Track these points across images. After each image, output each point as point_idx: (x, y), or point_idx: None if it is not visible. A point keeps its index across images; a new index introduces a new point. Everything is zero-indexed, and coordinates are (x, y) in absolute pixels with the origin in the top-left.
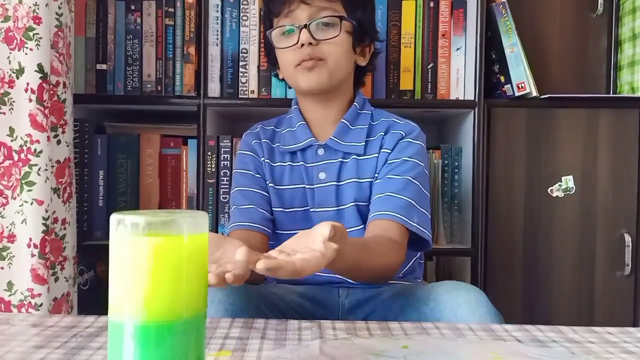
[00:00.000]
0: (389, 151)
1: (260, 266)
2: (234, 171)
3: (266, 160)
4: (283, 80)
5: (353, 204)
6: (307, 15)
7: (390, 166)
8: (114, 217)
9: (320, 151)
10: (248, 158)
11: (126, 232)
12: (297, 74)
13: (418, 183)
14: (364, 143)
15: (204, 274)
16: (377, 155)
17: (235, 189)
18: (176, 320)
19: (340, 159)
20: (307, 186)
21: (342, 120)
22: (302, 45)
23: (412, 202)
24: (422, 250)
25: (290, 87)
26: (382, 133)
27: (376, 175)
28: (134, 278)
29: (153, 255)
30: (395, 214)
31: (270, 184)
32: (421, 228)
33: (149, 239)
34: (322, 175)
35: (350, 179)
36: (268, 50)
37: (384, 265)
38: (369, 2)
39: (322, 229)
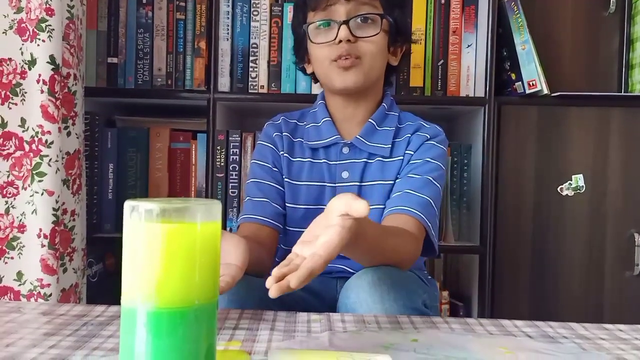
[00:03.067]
0: (413, 152)
1: (294, 284)
2: (251, 161)
3: (285, 155)
4: (310, 75)
5: (376, 206)
6: (345, 10)
7: (412, 166)
8: (128, 204)
9: (345, 150)
10: (267, 150)
11: (140, 218)
12: (332, 72)
13: (438, 185)
14: (390, 145)
15: (216, 262)
16: (402, 157)
17: (251, 179)
18: (188, 307)
19: (365, 160)
20: (328, 184)
21: (370, 120)
22: (340, 41)
23: (431, 202)
24: (426, 255)
25: (316, 82)
26: (409, 135)
27: (398, 175)
28: (147, 264)
29: (166, 242)
30: (412, 210)
31: (286, 179)
32: (433, 231)
33: (162, 226)
34: (345, 175)
35: (374, 180)
36: (297, 44)
37: (404, 251)
38: (407, 1)
39: (337, 204)
